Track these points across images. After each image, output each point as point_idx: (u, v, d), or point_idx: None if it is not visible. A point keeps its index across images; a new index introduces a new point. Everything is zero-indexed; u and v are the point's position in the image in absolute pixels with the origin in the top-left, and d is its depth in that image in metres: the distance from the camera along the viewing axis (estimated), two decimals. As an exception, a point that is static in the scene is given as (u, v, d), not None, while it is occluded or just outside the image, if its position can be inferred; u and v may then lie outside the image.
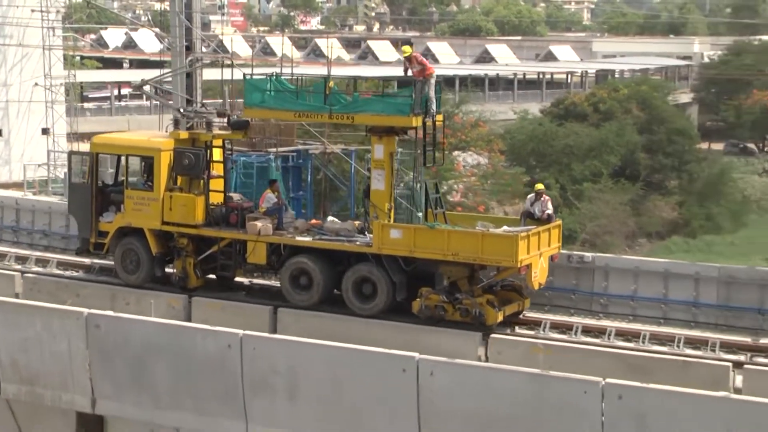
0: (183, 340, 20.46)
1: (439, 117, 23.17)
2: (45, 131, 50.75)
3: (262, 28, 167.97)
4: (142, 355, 20.63)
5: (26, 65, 52.17)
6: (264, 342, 19.93)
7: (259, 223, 23.53)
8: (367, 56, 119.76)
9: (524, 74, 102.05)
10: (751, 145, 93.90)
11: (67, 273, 27.17)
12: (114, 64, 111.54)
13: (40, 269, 27.68)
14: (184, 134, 24.84)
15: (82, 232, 25.46)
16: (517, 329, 22.92)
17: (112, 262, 25.50)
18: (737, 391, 19.68)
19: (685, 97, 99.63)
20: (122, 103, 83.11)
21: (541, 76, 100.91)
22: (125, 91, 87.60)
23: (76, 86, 62.79)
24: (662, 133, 74.69)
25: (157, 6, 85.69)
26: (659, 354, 21.30)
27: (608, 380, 16.98)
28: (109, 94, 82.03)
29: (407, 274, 22.80)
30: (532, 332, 22.74)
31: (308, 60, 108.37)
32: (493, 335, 22.06)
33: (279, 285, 24.08)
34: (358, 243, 22.96)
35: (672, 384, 18.14)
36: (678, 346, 21.87)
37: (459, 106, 63.19)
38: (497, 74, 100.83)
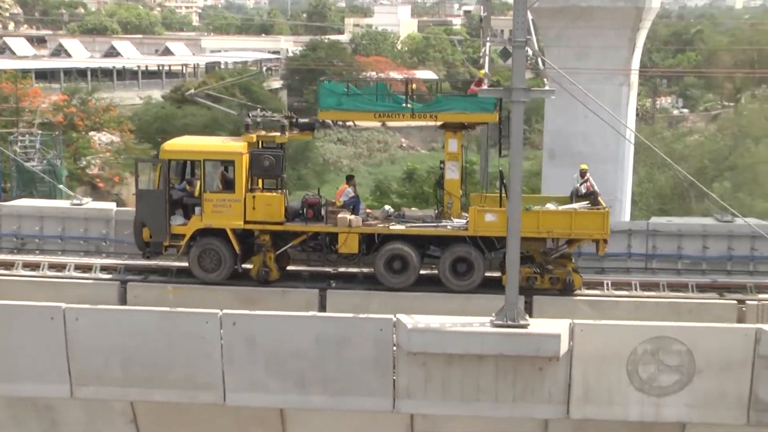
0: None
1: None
2: None
3: None
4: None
5: None
6: None
7: (349, 216, 21.25)
8: (5, 51, 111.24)
9: (146, 66, 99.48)
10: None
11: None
12: None
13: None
14: (252, 137, 21.72)
15: (156, 236, 21.57)
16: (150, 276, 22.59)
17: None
18: (323, 309, 20.68)
19: (277, 84, 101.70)
20: None
21: (161, 67, 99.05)
22: None
23: None
24: (261, 112, 76.17)
25: None
26: (263, 286, 21.82)
27: (225, 311, 17.10)
28: None
29: (499, 253, 21.26)
30: (163, 278, 22.51)
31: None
32: (130, 283, 21.71)
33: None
34: (451, 227, 21.16)
35: (276, 310, 18.83)
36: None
37: (92, 93, 60.72)
38: (123, 67, 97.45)
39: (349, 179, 22.68)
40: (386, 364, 16.61)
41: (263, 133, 21.99)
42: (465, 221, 21.22)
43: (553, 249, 21.48)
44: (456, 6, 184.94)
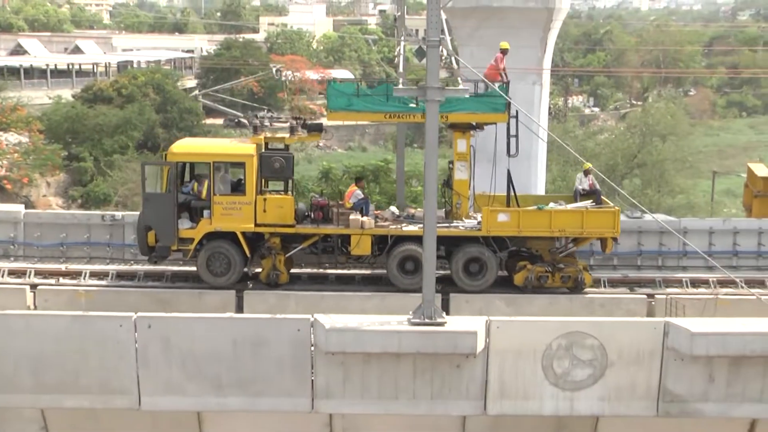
0: None
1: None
2: None
3: None
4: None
5: None
6: None
7: (361, 218, 20.87)
8: None
9: (56, 65, 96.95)
10: (244, 120, 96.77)
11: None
12: None
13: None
14: (259, 139, 21.44)
15: (163, 240, 20.83)
16: (61, 280, 22.03)
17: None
18: (240, 310, 20.53)
19: (191, 83, 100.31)
20: None
21: (70, 66, 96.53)
22: None
23: None
24: (175, 112, 75.34)
25: None
26: (181, 288, 21.55)
27: (139, 314, 16.77)
28: None
29: (509, 252, 21.36)
30: (74, 281, 21.99)
31: None
32: (39, 287, 21.13)
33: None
34: (463, 227, 21.04)
35: (192, 311, 18.59)
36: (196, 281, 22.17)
37: (-2, 93, 58.94)
38: (31, 65, 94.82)
39: (358, 180, 22.76)
40: (304, 364, 16.52)
41: (270, 134, 21.75)
42: (476, 221, 21.38)
43: (561, 248, 21.75)
44: (371, 5, 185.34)
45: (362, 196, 22.08)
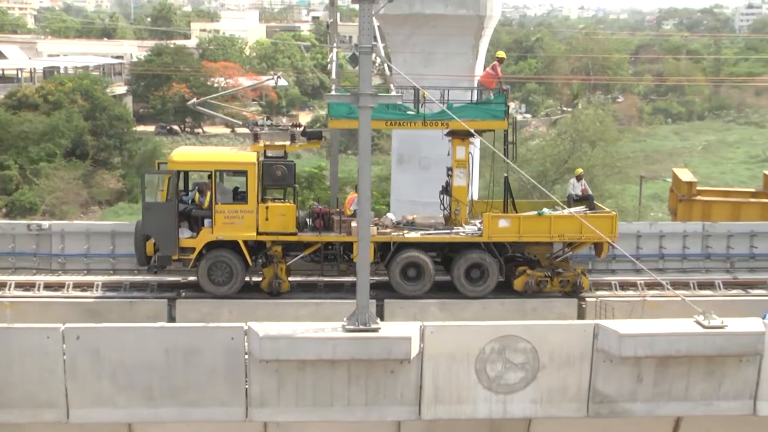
0: None
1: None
2: None
3: None
4: None
5: None
6: None
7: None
8: None
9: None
10: (176, 127, 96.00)
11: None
12: None
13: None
14: (260, 147, 20.92)
15: (164, 250, 20.27)
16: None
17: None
18: (172, 320, 20.27)
19: (121, 89, 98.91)
20: None
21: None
22: None
23: None
24: (104, 119, 74.23)
25: None
26: (111, 298, 21.22)
27: (67, 325, 16.46)
28: None
29: (508, 257, 21.27)
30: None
31: None
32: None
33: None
34: (464, 234, 20.92)
35: (123, 321, 18.33)
36: (126, 291, 21.82)
37: None
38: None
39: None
40: (238, 372, 16.40)
41: (271, 142, 21.48)
42: (477, 227, 21.48)
43: (558, 253, 21.93)
44: (304, 12, 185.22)
45: None
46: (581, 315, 21.25)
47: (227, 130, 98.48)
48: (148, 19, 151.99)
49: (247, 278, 21.12)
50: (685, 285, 22.76)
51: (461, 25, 30.57)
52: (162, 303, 20.70)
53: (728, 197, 31.53)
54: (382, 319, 17.57)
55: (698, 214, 29.77)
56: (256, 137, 21.37)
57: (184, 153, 22.26)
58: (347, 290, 21.45)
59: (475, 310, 20.81)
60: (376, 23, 18.32)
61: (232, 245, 20.66)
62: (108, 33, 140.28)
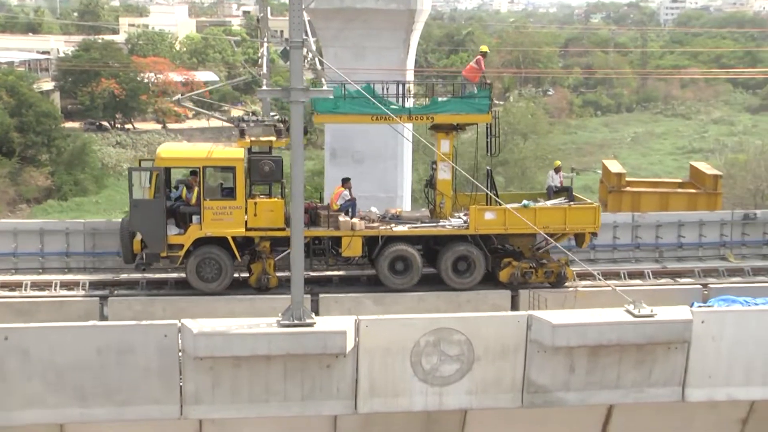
0: None
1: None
2: None
3: None
4: None
5: None
6: None
7: (353, 219, 20.74)
8: None
9: None
10: (105, 123, 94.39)
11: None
12: None
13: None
14: (249, 143, 20.79)
15: (152, 247, 20.02)
16: None
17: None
18: (104, 318, 19.95)
19: (48, 85, 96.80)
20: None
21: None
22: None
23: None
24: (31, 115, 72.72)
25: None
26: (40, 297, 20.80)
27: (-6, 326, 16.09)
28: None
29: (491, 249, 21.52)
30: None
31: None
32: None
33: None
34: (450, 227, 21.15)
35: (52, 321, 17.94)
36: (56, 290, 21.46)
37: None
38: None
39: (345, 182, 22.48)
40: (172, 370, 16.21)
41: (256, 138, 21.32)
42: (462, 220, 21.75)
43: (540, 245, 22.29)
44: (234, 6, 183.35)
45: (350, 197, 22.11)
46: (515, 306, 21.51)
47: (158, 126, 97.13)
48: (75, 14, 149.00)
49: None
50: (616, 275, 23.23)
51: (392, 19, 30.60)
52: (93, 302, 20.41)
53: (656, 188, 32.21)
54: (317, 314, 17.53)
55: (628, 204, 30.38)
56: (242, 133, 21.36)
57: (171, 149, 22.18)
58: (336, 285, 21.94)
59: (411, 303, 20.92)
60: (306, 17, 18.25)
61: (220, 241, 20.69)
62: (33, 28, 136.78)
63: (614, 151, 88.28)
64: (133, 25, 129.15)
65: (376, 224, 21.73)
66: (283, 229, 20.82)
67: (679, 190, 31.55)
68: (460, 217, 22.08)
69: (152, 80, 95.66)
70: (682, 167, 69.33)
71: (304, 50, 16.71)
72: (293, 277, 16.64)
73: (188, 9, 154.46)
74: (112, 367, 16.04)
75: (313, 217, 21.42)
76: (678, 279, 23.78)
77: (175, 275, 22.07)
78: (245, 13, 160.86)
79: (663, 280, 23.52)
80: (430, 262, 22.14)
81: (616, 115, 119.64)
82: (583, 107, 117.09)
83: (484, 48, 23.48)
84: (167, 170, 20.88)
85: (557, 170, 23.83)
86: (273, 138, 21.35)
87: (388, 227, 21.59)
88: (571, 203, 22.66)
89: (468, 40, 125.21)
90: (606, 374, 17.26)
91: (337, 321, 16.83)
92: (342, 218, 21.32)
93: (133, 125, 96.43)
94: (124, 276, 21.97)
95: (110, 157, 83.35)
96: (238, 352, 16.12)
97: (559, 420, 18.38)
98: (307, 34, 17.86)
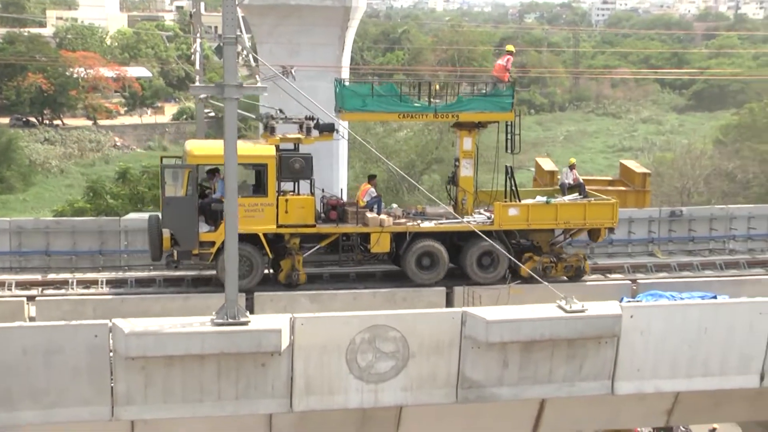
0: None
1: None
2: None
3: None
4: None
5: None
6: None
7: (380, 216, 20.86)
8: None
9: None
10: (33, 119, 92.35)
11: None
12: None
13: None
14: (277, 140, 20.84)
15: (184, 244, 19.78)
16: None
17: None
18: (32, 319, 19.55)
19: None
20: None
21: None
22: None
23: None
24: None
25: None
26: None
27: None
28: None
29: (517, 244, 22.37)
30: None
31: None
32: None
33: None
34: (474, 223, 21.27)
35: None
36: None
37: None
38: None
39: (371, 178, 22.82)
40: (102, 371, 15.95)
41: (285, 135, 21.52)
42: (486, 216, 22.38)
43: (558, 239, 22.95)
44: (167, 1, 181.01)
45: (375, 194, 22.37)
46: (450, 303, 21.69)
47: (89, 122, 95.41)
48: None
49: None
50: (548, 271, 23.49)
51: (327, 15, 30.55)
52: (20, 302, 19.96)
53: (588, 185, 32.67)
54: (251, 313, 17.44)
55: (559, 202, 30.74)
56: (272, 130, 21.48)
57: (202, 147, 21.90)
58: (352, 280, 22.52)
59: (346, 300, 20.96)
60: (240, 13, 18.10)
61: (251, 238, 20.69)
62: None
63: (547, 149, 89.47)
64: (61, 19, 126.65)
65: (402, 221, 22.19)
66: (313, 226, 21.19)
67: (610, 188, 32.10)
68: (481, 213, 22.73)
69: (82, 75, 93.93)
70: (613, 165, 70.57)
71: (238, 47, 16.56)
72: (227, 276, 16.51)
73: (119, 3, 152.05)
74: (39, 369, 15.71)
75: (340, 214, 21.78)
76: (608, 275, 24.23)
77: (106, 275, 21.77)
78: (178, 8, 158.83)
79: (594, 276, 23.94)
80: (450, 258, 22.51)
81: (550, 113, 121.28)
82: (517, 105, 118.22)
83: (510, 47, 24.06)
84: (199, 168, 20.85)
85: (571, 168, 24.51)
86: (301, 136, 21.62)
87: (415, 224, 22.00)
88: (584, 199, 23.34)
89: (404, 38, 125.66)
90: (539, 369, 17.52)
91: (272, 319, 16.75)
92: (370, 215, 21.76)
93: (62, 121, 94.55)
94: (51, 276, 21.55)
95: (38, 153, 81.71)
96: (170, 351, 15.94)
97: (492, 415, 18.61)
98: (241, 31, 17.71)
